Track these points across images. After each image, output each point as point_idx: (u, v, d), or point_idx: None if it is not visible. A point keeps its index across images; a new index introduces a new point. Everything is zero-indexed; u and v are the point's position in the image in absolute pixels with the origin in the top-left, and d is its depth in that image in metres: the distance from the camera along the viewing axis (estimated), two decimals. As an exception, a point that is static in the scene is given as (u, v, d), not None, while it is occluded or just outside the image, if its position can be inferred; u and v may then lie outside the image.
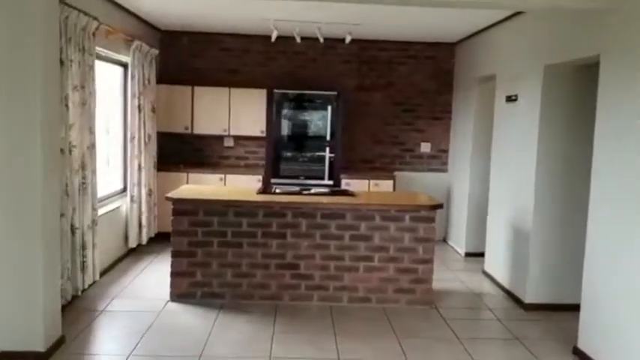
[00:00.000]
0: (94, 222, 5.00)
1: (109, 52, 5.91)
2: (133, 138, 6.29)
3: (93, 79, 5.00)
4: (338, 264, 5.01)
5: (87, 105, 4.80)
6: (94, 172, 5.00)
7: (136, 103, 6.29)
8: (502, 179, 5.98)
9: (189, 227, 4.93)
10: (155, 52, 6.90)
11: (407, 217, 4.98)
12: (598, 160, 4.12)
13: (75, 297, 4.79)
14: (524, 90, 5.47)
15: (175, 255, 4.95)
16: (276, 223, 4.95)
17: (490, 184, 6.41)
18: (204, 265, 4.96)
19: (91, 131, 4.92)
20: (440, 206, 5.01)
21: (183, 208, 4.91)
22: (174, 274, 4.97)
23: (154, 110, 6.97)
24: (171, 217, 4.93)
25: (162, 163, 7.42)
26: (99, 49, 5.59)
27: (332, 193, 5.26)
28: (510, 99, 5.79)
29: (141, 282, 5.54)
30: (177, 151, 7.78)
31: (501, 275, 5.84)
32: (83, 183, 4.76)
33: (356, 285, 5.03)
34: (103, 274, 5.58)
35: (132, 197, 6.31)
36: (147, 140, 6.66)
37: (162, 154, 7.59)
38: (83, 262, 4.80)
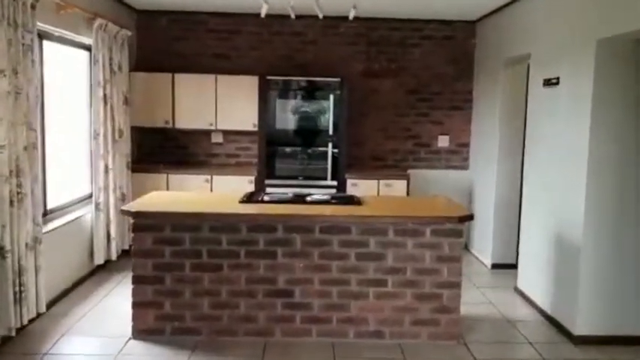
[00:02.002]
0: (36, 240, 4.02)
1: (65, 32, 4.93)
2: (97, 135, 5.30)
3: (34, 63, 4.01)
4: (342, 290, 4.01)
5: (22, 95, 3.80)
6: (35, 178, 4.02)
7: (101, 94, 5.29)
8: (539, 180, 4.95)
9: (154, 246, 3.94)
10: (127, 33, 5.90)
11: (428, 230, 3.97)
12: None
13: (6, 339, 3.80)
14: (569, 71, 4.43)
15: (138, 281, 3.97)
16: (264, 239, 3.96)
17: (523, 186, 5.38)
18: (174, 294, 3.98)
19: (31, 128, 3.94)
20: (469, 217, 4.00)
21: (146, 222, 3.92)
22: (137, 305, 3.99)
23: (127, 102, 5.98)
24: (131, 234, 3.95)
25: (138, 163, 6.46)
26: (48, 28, 4.60)
27: (333, 201, 4.24)
28: (550, 82, 4.75)
29: (101, 312, 4.56)
30: (157, 148, 6.81)
31: (540, 296, 4.82)
32: (18, 193, 3.77)
33: (365, 316, 4.03)
34: (54, 302, 4.61)
35: (97, 205, 5.33)
36: (117, 137, 5.67)
37: (139, 152, 6.65)
38: (19, 292, 3.82)
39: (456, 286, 4.06)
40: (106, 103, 5.38)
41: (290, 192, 6.09)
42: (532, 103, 5.18)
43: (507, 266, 6.03)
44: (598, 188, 4.08)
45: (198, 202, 4.33)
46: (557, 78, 4.60)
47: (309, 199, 4.22)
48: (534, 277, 4.97)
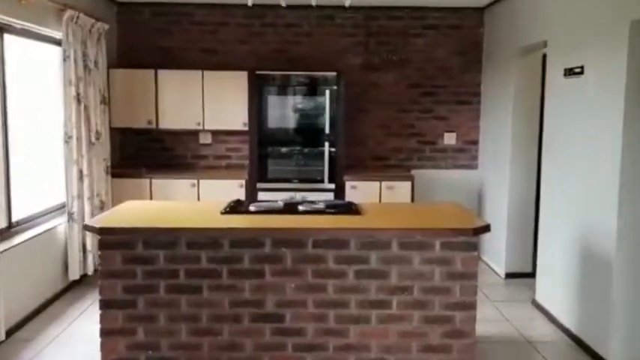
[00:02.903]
0: (-10, 260, 3.52)
1: (30, 25, 4.44)
2: (69, 138, 4.79)
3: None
4: (340, 313, 3.50)
5: (-32, 93, 3.30)
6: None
7: (73, 93, 4.79)
8: (560, 181, 4.43)
9: (124, 266, 3.44)
10: (104, 26, 5.39)
11: (437, 243, 3.45)
12: None
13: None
14: (595, 58, 3.91)
15: (106, 306, 3.47)
16: (250, 256, 3.44)
17: (541, 188, 4.86)
18: (148, 319, 3.47)
19: (-19, 131, 3.44)
20: (486, 229, 3.47)
21: (114, 239, 3.42)
22: (105, 333, 3.48)
23: (105, 101, 5.48)
24: (99, 252, 3.45)
25: (120, 167, 5.97)
26: (9, 20, 4.12)
27: (329, 210, 3.72)
28: (572, 72, 4.23)
29: (71, 336, 4.07)
30: (141, 151, 6.31)
31: (564, 312, 4.31)
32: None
33: (366, 342, 3.51)
34: (21, 325, 4.12)
35: (71, 215, 4.82)
36: (94, 140, 5.17)
37: (121, 156, 6.16)
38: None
39: (471, 306, 3.53)
40: (79, 102, 4.87)
41: (284, 196, 5.64)
42: (550, 95, 4.66)
43: (523, 275, 5.54)
44: (634, 192, 3.56)
45: (175, 213, 3.82)
46: (581, 67, 4.08)
47: (301, 208, 3.70)
48: (556, 290, 4.47)
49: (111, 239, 3.42)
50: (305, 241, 3.43)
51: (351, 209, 3.75)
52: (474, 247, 3.50)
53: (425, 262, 3.48)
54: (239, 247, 3.44)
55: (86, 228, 3.39)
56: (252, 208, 3.68)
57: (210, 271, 3.45)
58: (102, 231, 3.34)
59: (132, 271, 3.44)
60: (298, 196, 5.67)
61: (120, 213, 3.77)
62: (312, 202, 3.86)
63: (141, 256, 3.43)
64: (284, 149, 5.91)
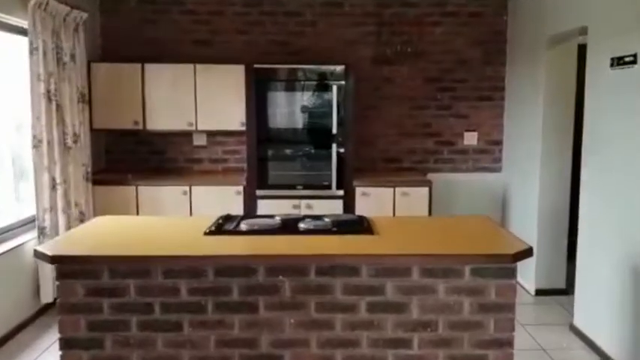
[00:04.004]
0: None
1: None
2: (39, 142, 4.21)
3: None
4: (349, 354, 2.89)
5: None
6: None
7: (42, 90, 4.20)
8: (605, 188, 3.81)
9: (87, 298, 2.84)
10: (82, 15, 4.79)
11: (467, 270, 2.83)
12: None
13: None
14: (652, 44, 3.27)
15: (67, 346, 2.88)
16: (240, 286, 2.84)
17: (581, 195, 4.21)
18: (117, 362, 2.88)
19: None
20: (527, 253, 2.85)
21: (75, 267, 2.82)
22: (67, 379, 2.89)
23: (84, 100, 4.89)
24: (56, 282, 2.86)
25: (106, 172, 5.40)
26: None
27: (335, 229, 3.10)
28: (621, 62, 3.59)
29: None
30: (128, 155, 5.73)
31: (610, 341, 3.69)
32: None
33: (381, 389, 2.91)
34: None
35: (42, 229, 4.24)
36: (70, 143, 4.60)
37: (106, 160, 5.63)
38: None
39: (507, 344, 2.91)
40: (50, 101, 4.28)
41: (287, 204, 5.09)
42: (593, 89, 4.01)
43: (555, 292, 4.92)
44: None
45: (151, 232, 3.21)
46: (634, 55, 3.44)
47: (302, 226, 3.09)
48: (599, 313, 3.84)
49: (71, 268, 2.82)
50: (307, 268, 2.82)
51: (363, 227, 3.13)
52: (512, 273, 2.88)
53: (452, 292, 2.86)
54: (227, 276, 2.83)
55: (36, 255, 2.78)
56: (242, 226, 3.07)
57: (192, 304, 2.85)
58: (54, 260, 2.74)
59: (97, 305, 2.85)
60: (303, 204, 5.11)
61: (84, 234, 3.18)
62: (316, 218, 3.25)
63: (107, 286, 2.84)
64: (286, 152, 5.31)
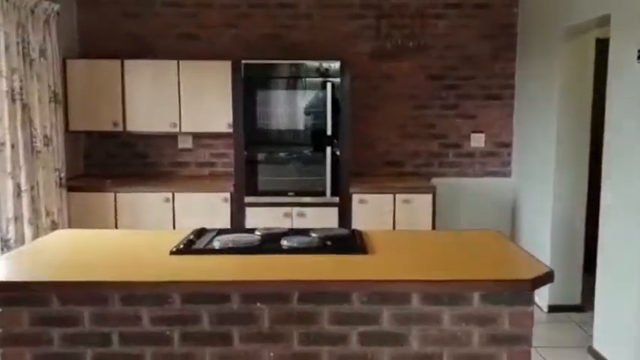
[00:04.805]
0: None
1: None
2: (1, 145, 3.82)
3: None
4: (339, 392, 2.48)
5: None
6: None
7: (4, 88, 3.82)
8: (628, 196, 3.40)
9: (33, 328, 2.44)
10: (53, 7, 4.41)
11: (475, 296, 2.42)
12: None
13: None
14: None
15: (10, 384, 2.48)
16: (211, 314, 2.44)
17: (601, 203, 3.78)
18: (69, 403, 2.48)
19: None
20: (548, 278, 2.43)
21: (20, 293, 2.43)
22: (10, 422, 2.49)
23: (57, 99, 4.51)
24: (-2, 310, 2.47)
25: (81, 178, 5.02)
26: None
27: (323, 247, 2.69)
28: (650, 54, 3.17)
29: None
30: (109, 158, 5.34)
31: (638, 371, 3.27)
32: None
33: None
34: None
35: (5, 242, 3.86)
36: (40, 146, 4.22)
37: (85, 165, 5.27)
38: None
39: (523, 381, 2.50)
40: (14, 100, 3.89)
41: (278, 213, 4.70)
42: (617, 85, 3.60)
43: (570, 308, 4.52)
44: None
45: (112, 250, 2.80)
46: (666, 46, 3.03)
47: (285, 244, 2.67)
48: (622, 335, 3.44)
49: (14, 294, 2.42)
50: (288, 294, 2.41)
51: (355, 245, 2.71)
52: (529, 300, 2.46)
53: (458, 321, 2.45)
54: (195, 303, 2.43)
55: (-32, 281, 2.39)
56: (215, 244, 2.66)
57: (156, 335, 2.44)
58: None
59: (45, 336, 2.45)
60: (295, 212, 4.72)
61: (37, 251, 2.78)
62: (302, 233, 2.85)
63: (57, 315, 2.43)
64: (277, 155, 4.91)
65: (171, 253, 2.59)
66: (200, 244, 2.70)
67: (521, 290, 2.37)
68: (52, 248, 2.82)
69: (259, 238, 2.73)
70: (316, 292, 2.40)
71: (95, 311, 2.43)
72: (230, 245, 2.62)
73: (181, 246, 2.63)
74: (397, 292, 2.40)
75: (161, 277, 2.40)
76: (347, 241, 2.79)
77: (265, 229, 2.96)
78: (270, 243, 2.72)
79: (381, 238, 3.01)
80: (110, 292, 2.40)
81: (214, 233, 2.88)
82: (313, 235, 2.82)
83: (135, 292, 2.41)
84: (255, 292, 2.40)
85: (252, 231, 2.91)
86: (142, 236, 3.23)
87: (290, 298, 2.42)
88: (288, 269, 2.49)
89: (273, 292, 2.40)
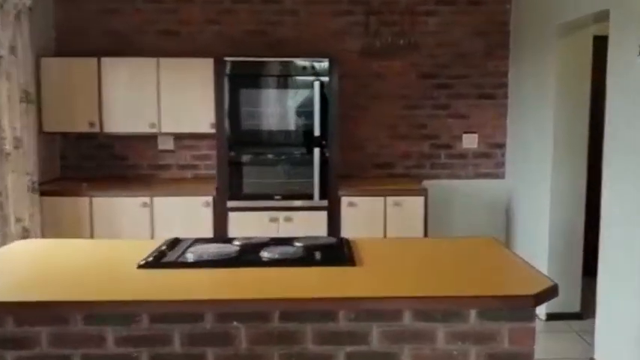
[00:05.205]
0: None
1: None
2: (-36, 147, 3.58)
3: None
4: (324, 418, 2.27)
5: None
6: None
7: (-33, 86, 3.57)
8: (631, 199, 3.21)
9: (-14, 351, 2.22)
10: (25, 2, 4.16)
11: (472, 312, 2.22)
12: None
13: None
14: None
15: (-41, 413, 2.25)
16: (182, 334, 2.22)
17: (602, 206, 3.59)
18: None
19: None
20: (552, 293, 2.24)
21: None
22: None
23: (29, 99, 4.27)
24: (-54, 332, 2.23)
25: (57, 181, 4.79)
26: None
27: (307, 258, 2.48)
28: (654, 50, 2.99)
29: None
30: (86, 161, 5.12)
31: (643, 386, 3.08)
32: None
33: None
34: None
35: (-30, 251, 3.60)
36: (9, 149, 3.99)
37: (62, 167, 5.05)
38: None
39: (524, 404, 2.30)
40: (-22, 100, 3.65)
41: (264, 218, 4.49)
42: (617, 83, 3.42)
43: (569, 316, 4.34)
44: None
45: (73, 265, 2.56)
46: (672, 41, 2.84)
47: (265, 255, 2.46)
48: (626, 347, 3.24)
49: (-38, 312, 2.19)
50: (268, 313, 2.20)
51: (342, 256, 2.50)
52: (531, 315, 2.27)
53: (454, 339, 2.25)
54: (165, 322, 2.21)
55: None
56: (189, 255, 2.43)
57: (122, 357, 2.22)
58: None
59: (-1, 359, 2.23)
60: (281, 217, 4.52)
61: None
62: (285, 242, 2.63)
63: (12, 336, 2.20)
64: (262, 157, 4.69)
65: (139, 266, 2.36)
66: (172, 256, 2.48)
67: (523, 306, 2.17)
68: (11, 261, 2.59)
69: (237, 249, 2.52)
70: (297, 312, 2.19)
71: (54, 332, 2.20)
72: (204, 258, 2.39)
73: (150, 259, 2.41)
74: (388, 310, 2.19)
75: (126, 294, 2.18)
76: (333, 252, 2.58)
77: (245, 238, 2.75)
78: (249, 254, 2.50)
79: (371, 248, 2.80)
80: (70, 311, 2.18)
81: (189, 243, 2.66)
82: (297, 244, 2.61)
83: (97, 312, 2.19)
84: (231, 310, 2.19)
85: (230, 240, 2.69)
86: (110, 247, 3.00)
87: (270, 317, 2.20)
88: (267, 285, 2.27)
89: (251, 311, 2.19)
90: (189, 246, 2.58)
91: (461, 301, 2.16)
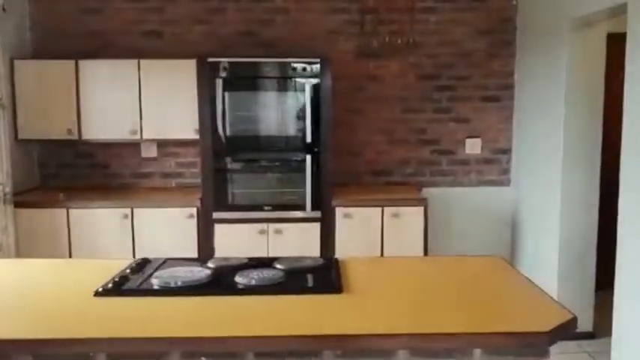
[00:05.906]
0: None
1: None
2: None
3: None
4: None
5: None
6: None
7: None
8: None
9: None
10: (-5, 0, 3.89)
11: (477, 352, 1.91)
12: None
13: None
14: None
15: None
16: (145, 376, 1.92)
17: (619, 214, 3.29)
18: None
19: None
20: (570, 326, 1.93)
21: None
22: None
23: (1, 104, 3.99)
24: None
25: (34, 192, 4.52)
26: None
27: (287, 284, 2.17)
28: (677, 46, 2.69)
29: None
30: (65, 169, 4.85)
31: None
32: None
33: None
34: None
35: None
36: (-24, 158, 3.68)
37: (41, 176, 4.76)
38: None
39: None
40: (-61, 106, 3.37)
41: (253, 230, 4.20)
42: (634, 82, 3.12)
43: (581, 336, 4.02)
44: None
45: (24, 293, 2.25)
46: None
47: (240, 281, 2.16)
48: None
49: None
50: (242, 353, 1.90)
51: (329, 281, 2.20)
52: (544, 352, 1.96)
53: (457, 380, 1.95)
54: (128, 358, 1.91)
55: None
56: (154, 281, 2.13)
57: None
58: None
59: None
60: (271, 229, 4.23)
61: None
62: (264, 265, 2.33)
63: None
64: (251, 164, 4.41)
65: (96, 294, 2.06)
66: (135, 281, 2.18)
67: (535, 345, 1.86)
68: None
69: (210, 272, 2.21)
70: (275, 350, 1.88)
71: (-2, 373, 1.91)
72: (171, 284, 2.09)
73: (110, 285, 2.11)
74: (379, 349, 1.88)
75: (78, 330, 1.87)
76: (319, 276, 2.29)
77: (221, 259, 2.48)
78: (223, 278, 2.21)
79: (364, 270, 2.51)
80: (12, 352, 1.88)
81: (158, 264, 2.36)
82: (278, 267, 2.31)
83: (43, 352, 1.89)
84: (198, 349, 1.89)
85: (204, 262, 2.40)
86: (70, 268, 2.69)
87: (243, 355, 1.90)
88: (241, 317, 1.97)
89: (222, 351, 1.89)
90: (157, 268, 2.28)
91: (465, 339, 1.85)
